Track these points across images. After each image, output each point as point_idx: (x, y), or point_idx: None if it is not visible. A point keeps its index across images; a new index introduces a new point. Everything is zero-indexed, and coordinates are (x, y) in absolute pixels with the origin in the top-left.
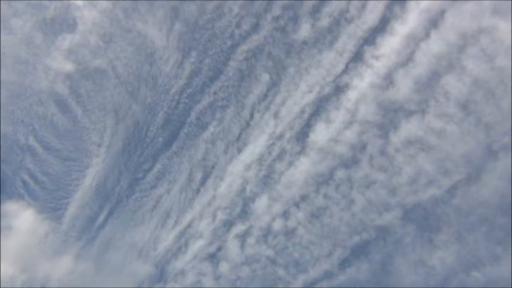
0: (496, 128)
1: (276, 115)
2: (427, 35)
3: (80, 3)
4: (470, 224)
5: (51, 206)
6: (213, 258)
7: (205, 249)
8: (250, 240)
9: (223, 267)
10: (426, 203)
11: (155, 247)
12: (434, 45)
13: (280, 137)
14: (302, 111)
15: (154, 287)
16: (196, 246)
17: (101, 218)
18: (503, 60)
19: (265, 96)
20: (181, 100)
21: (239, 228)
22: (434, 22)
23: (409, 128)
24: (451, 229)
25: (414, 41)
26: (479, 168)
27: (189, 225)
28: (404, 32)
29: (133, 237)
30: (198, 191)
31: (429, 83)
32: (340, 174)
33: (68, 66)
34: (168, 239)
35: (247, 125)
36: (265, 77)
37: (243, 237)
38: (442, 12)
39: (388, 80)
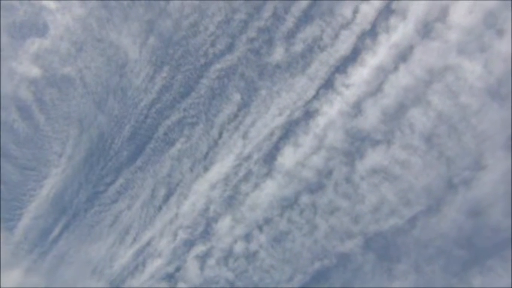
0: (457, 162)
1: (244, 136)
2: (396, 68)
3: (53, 7)
4: (428, 256)
5: (4, 216)
6: (171, 278)
7: (164, 269)
8: (210, 261)
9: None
10: (387, 233)
11: (111, 264)
12: (403, 78)
13: (248, 158)
14: (271, 134)
15: None
16: (155, 265)
17: (56, 231)
18: (466, 97)
19: (235, 116)
20: (150, 114)
21: (200, 248)
22: (403, 56)
23: (375, 157)
24: (410, 259)
25: (383, 72)
26: (440, 200)
27: (148, 243)
28: (375, 63)
29: (88, 253)
30: (160, 208)
31: (396, 115)
32: (305, 199)
33: (35, 71)
34: (125, 256)
35: (215, 144)
36: (237, 97)
37: (203, 258)
38: (410, 48)
39: (357, 108)
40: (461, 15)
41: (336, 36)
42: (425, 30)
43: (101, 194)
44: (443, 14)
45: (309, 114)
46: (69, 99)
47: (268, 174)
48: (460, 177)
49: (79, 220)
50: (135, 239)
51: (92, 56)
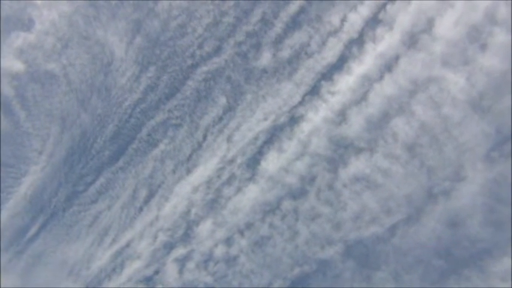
0: (438, 173)
1: (229, 139)
2: (381, 77)
3: (39, 2)
4: (407, 264)
5: None
6: (149, 281)
7: (142, 271)
8: (190, 265)
9: None
10: (367, 240)
11: (88, 266)
12: (387, 87)
13: (231, 161)
14: (255, 138)
15: None
16: (133, 267)
17: (33, 230)
18: (449, 109)
19: (220, 119)
20: (134, 114)
21: (180, 251)
22: (388, 66)
23: (358, 165)
24: (389, 267)
25: (369, 81)
26: (420, 209)
27: (128, 245)
28: (360, 72)
29: (65, 253)
30: (141, 209)
31: (379, 123)
32: (287, 204)
33: (18, 66)
34: (103, 258)
35: (199, 146)
36: (222, 100)
37: (182, 262)
38: (396, 58)
39: (342, 116)
40: (447, 28)
41: (324, 43)
42: (411, 41)
43: (80, 193)
44: (429, 26)
45: (294, 120)
46: (52, 95)
47: (251, 178)
48: (440, 188)
49: (57, 219)
50: (114, 240)
51: (77, 53)
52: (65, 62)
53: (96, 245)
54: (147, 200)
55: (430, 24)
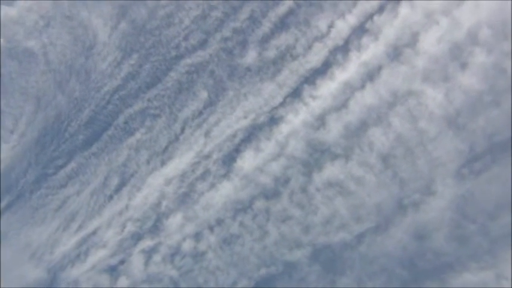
0: (409, 185)
1: (207, 134)
2: (363, 86)
3: None
4: (371, 272)
5: None
6: (113, 271)
7: (107, 261)
8: (156, 257)
9: (122, 282)
10: (335, 246)
11: (52, 251)
12: (368, 97)
13: (207, 157)
14: (233, 135)
15: None
16: (98, 255)
17: None
18: (425, 123)
19: (200, 113)
20: (112, 101)
21: (147, 243)
22: (370, 76)
23: (332, 170)
24: (354, 274)
25: (350, 89)
26: (388, 219)
27: (94, 233)
28: (343, 79)
29: (29, 236)
30: (111, 197)
31: (357, 132)
32: (259, 204)
33: None
34: (67, 243)
35: (176, 138)
36: (204, 95)
37: (149, 253)
38: (379, 68)
39: (321, 121)
40: (430, 44)
41: (309, 47)
42: (395, 53)
43: (50, 176)
44: (413, 41)
45: (273, 121)
46: (29, 74)
47: (225, 175)
48: (410, 200)
49: (23, 201)
50: (80, 227)
51: (59, 33)
52: (46, 40)
53: (61, 230)
54: (118, 189)
55: (414, 38)
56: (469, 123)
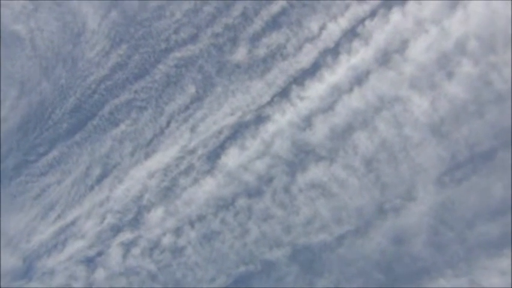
0: (391, 190)
1: (192, 129)
2: (351, 89)
3: None
4: (349, 274)
5: None
6: (90, 262)
7: (84, 252)
8: (135, 250)
9: (99, 274)
10: (315, 247)
11: (28, 239)
12: (355, 100)
13: (192, 152)
14: (219, 132)
15: (14, 286)
16: (75, 246)
17: None
18: (410, 130)
19: (187, 108)
20: (98, 90)
21: (126, 236)
22: (359, 80)
23: (316, 172)
24: (332, 276)
25: (338, 92)
26: (369, 223)
27: (73, 223)
28: (332, 81)
29: (6, 223)
30: (92, 188)
31: (342, 134)
32: (241, 202)
33: None
34: (45, 232)
35: (161, 132)
36: (191, 89)
37: (128, 246)
38: (367, 73)
39: (307, 122)
40: (419, 51)
41: (300, 48)
42: (384, 59)
43: (31, 163)
44: (402, 47)
45: (260, 119)
46: (15, 58)
47: (209, 171)
48: (391, 204)
49: (2, 188)
50: (59, 216)
51: (47, 19)
52: (33, 25)
53: (39, 218)
54: (100, 180)
55: (403, 45)
56: (453, 132)
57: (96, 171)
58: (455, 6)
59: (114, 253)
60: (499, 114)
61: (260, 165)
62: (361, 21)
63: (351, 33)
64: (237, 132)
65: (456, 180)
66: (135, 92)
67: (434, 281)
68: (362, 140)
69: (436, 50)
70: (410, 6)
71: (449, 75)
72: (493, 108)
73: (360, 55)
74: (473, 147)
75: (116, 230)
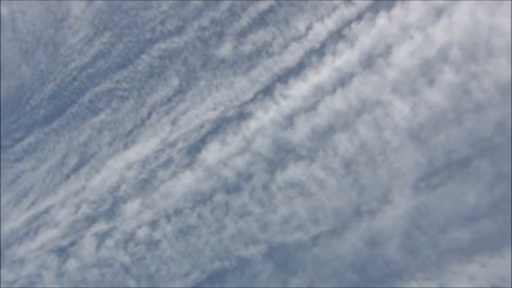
0: (368, 192)
1: (174, 122)
2: (334, 91)
3: None
4: (323, 274)
5: None
6: (62, 252)
7: (57, 241)
8: (109, 242)
9: (71, 264)
10: (290, 245)
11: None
12: (337, 102)
13: (172, 145)
14: (201, 126)
15: None
16: (48, 235)
17: None
18: (390, 134)
19: (169, 100)
20: (79, 77)
21: (101, 227)
22: (342, 81)
23: (295, 171)
24: (306, 275)
25: (321, 92)
26: (345, 224)
27: (46, 211)
28: (316, 81)
29: None
30: (67, 177)
31: (323, 135)
32: (219, 197)
33: None
34: (17, 220)
35: (142, 123)
36: (175, 82)
37: (102, 237)
38: (351, 75)
39: (289, 121)
40: (402, 57)
41: (286, 46)
42: (368, 62)
43: (6, 149)
44: (387, 52)
45: (242, 116)
46: None
47: (188, 165)
48: (367, 207)
49: None
50: (32, 204)
51: (30, 2)
52: (15, 8)
53: (12, 205)
54: (76, 169)
55: (388, 50)
56: (431, 138)
57: (73, 160)
58: (441, 13)
59: (88, 244)
60: (476, 123)
61: (240, 162)
62: (348, 23)
63: (337, 35)
64: (218, 128)
65: (432, 186)
66: (117, 81)
67: (406, 283)
68: (342, 142)
69: (420, 56)
70: (396, 11)
71: (431, 82)
72: (472, 117)
73: (345, 57)
74: (450, 154)
75: (91, 220)
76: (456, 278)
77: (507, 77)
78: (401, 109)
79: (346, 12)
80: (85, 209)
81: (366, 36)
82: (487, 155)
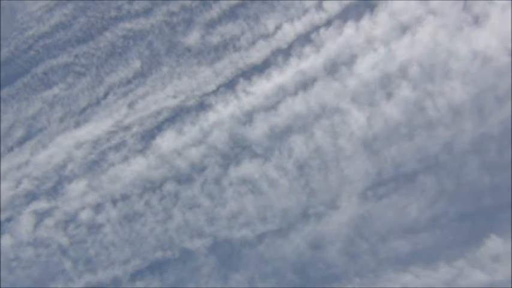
0: (317, 196)
1: (130, 105)
2: (295, 93)
3: None
4: (264, 273)
5: None
6: None
7: None
8: (49, 221)
9: (5, 240)
10: (235, 241)
11: None
12: (297, 104)
13: (127, 128)
14: (158, 113)
15: None
16: None
17: None
18: (344, 141)
19: (129, 82)
20: (35, 47)
21: (41, 205)
22: (305, 85)
23: (249, 168)
24: (247, 272)
25: (283, 93)
26: (291, 225)
27: None
28: (279, 81)
29: None
30: (11, 149)
31: (280, 135)
32: (169, 187)
33: None
34: None
35: (97, 102)
36: (137, 64)
37: (41, 216)
38: (314, 80)
39: (248, 117)
40: (365, 68)
41: (253, 43)
42: (332, 69)
43: None
44: (350, 61)
45: (202, 107)
46: None
47: (141, 151)
48: (315, 210)
49: None
50: None
51: None
52: None
53: None
54: (22, 141)
55: (352, 59)
56: (382, 150)
57: (19, 132)
58: (405, 31)
59: (25, 221)
60: (426, 139)
61: (194, 153)
62: (316, 28)
63: (305, 38)
64: (176, 116)
65: (378, 196)
66: (76, 56)
67: (343, 286)
68: (298, 144)
69: (381, 69)
70: (364, 22)
71: (389, 95)
72: (422, 134)
73: (310, 61)
74: (399, 167)
75: (31, 197)
76: (391, 285)
77: (460, 99)
78: (358, 118)
79: (316, 16)
80: (26, 185)
81: (333, 43)
82: (432, 172)
